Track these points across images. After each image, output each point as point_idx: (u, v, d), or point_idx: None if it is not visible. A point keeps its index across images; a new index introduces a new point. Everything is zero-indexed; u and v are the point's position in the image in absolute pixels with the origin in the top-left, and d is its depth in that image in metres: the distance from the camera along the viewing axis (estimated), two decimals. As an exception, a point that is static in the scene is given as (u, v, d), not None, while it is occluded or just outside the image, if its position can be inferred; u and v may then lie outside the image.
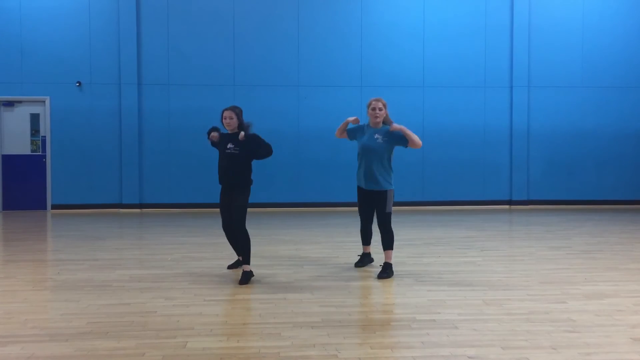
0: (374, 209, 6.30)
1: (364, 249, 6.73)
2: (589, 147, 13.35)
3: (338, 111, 12.53)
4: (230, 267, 6.56)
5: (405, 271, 6.37)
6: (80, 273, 6.30)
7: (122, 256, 7.34)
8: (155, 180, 12.56)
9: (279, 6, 12.73)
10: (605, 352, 3.88)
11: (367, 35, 12.88)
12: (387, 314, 4.85)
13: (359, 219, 6.59)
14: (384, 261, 6.28)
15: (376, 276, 6.14)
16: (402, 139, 6.10)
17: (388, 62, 12.91)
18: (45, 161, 12.39)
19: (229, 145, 6.08)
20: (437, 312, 4.81)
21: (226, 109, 6.23)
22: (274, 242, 8.29)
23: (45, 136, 12.38)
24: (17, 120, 12.39)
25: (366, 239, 6.67)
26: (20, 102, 12.39)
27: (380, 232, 6.27)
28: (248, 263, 6.01)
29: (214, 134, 6.26)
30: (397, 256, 7.17)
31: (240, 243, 6.01)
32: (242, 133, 6.00)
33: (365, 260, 6.70)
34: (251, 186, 6.18)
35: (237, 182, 6.10)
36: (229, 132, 6.20)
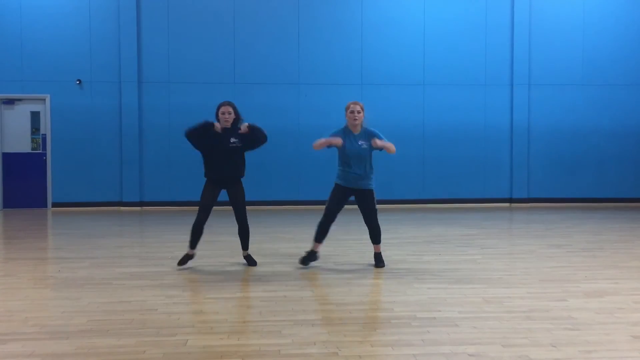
0: (342, 209, 6.37)
1: (315, 246, 6.47)
2: (589, 145, 13.34)
3: (338, 109, 12.37)
4: (181, 262, 6.40)
5: (406, 269, 6.38)
6: (81, 271, 6.30)
7: (123, 254, 7.34)
8: (156, 178, 12.56)
9: (279, 3, 12.72)
10: (606, 350, 3.88)
11: (367, 33, 12.87)
12: (388, 312, 4.85)
13: (323, 215, 6.38)
14: (375, 252, 6.55)
15: (377, 267, 6.41)
16: (378, 138, 6.28)
17: (388, 60, 12.90)
18: (45, 159, 12.39)
19: (232, 140, 6.14)
20: (437, 309, 4.81)
21: (223, 104, 6.29)
22: (274, 240, 8.29)
23: (45, 134, 12.38)
24: (18, 119, 12.39)
25: (323, 236, 6.46)
26: (20, 100, 12.39)
27: (371, 228, 6.43)
28: (248, 249, 6.55)
29: (218, 125, 6.21)
30: (397, 254, 7.18)
31: (246, 234, 6.45)
32: (246, 124, 6.09)
33: (312, 257, 6.47)
34: None
35: (236, 175, 6.25)
36: (224, 127, 6.24)
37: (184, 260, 6.43)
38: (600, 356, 3.77)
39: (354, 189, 6.34)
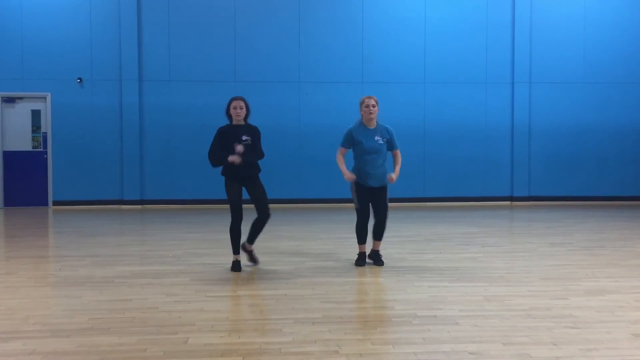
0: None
1: (361, 248, 6.50)
2: (590, 144, 13.33)
3: (339, 107, 12.54)
4: (234, 269, 6.27)
5: (406, 267, 6.37)
6: (82, 269, 6.31)
7: (124, 252, 7.35)
8: (156, 176, 12.56)
9: (279, 2, 12.72)
10: (606, 348, 3.88)
11: (368, 32, 12.86)
12: (388, 310, 4.85)
13: (358, 217, 6.41)
14: (374, 249, 6.50)
15: (376, 264, 6.40)
16: (391, 145, 6.42)
17: (389, 59, 12.89)
18: (46, 158, 12.40)
19: (244, 137, 6.11)
20: (438, 308, 4.81)
21: (235, 99, 6.22)
22: (276, 238, 8.29)
23: (46, 132, 12.39)
24: (18, 117, 12.39)
25: (366, 237, 6.51)
26: (21, 98, 12.39)
27: (379, 224, 6.40)
28: (252, 244, 6.44)
29: (235, 158, 6.01)
30: (398, 252, 7.18)
31: (262, 227, 6.33)
32: (240, 148, 5.98)
33: (363, 259, 6.48)
34: None
35: (254, 171, 6.25)
36: (234, 123, 6.20)
37: (235, 268, 6.25)
38: (601, 354, 3.77)
39: (373, 187, 6.35)
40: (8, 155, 12.39)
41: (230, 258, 6.76)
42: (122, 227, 9.85)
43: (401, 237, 8.42)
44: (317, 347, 3.89)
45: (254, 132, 6.25)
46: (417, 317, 4.56)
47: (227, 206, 6.29)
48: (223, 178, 6.25)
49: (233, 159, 5.97)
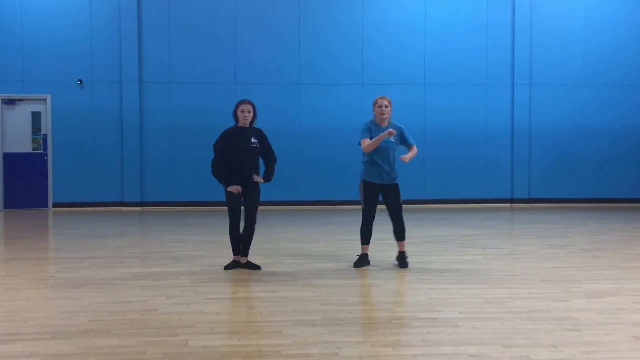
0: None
1: (364, 248, 6.57)
2: (590, 146, 13.33)
3: (339, 109, 12.55)
4: (228, 267, 6.39)
5: (407, 269, 6.37)
6: (82, 271, 6.30)
7: (123, 254, 7.34)
8: (157, 178, 12.57)
9: (280, 4, 12.73)
10: (607, 351, 3.87)
11: (368, 33, 12.87)
12: (388, 312, 4.85)
13: (363, 217, 6.46)
14: (400, 250, 6.49)
15: (400, 266, 6.39)
16: (406, 141, 6.52)
17: (389, 60, 12.90)
18: (46, 159, 12.40)
19: (253, 140, 6.16)
20: (438, 310, 4.81)
21: (243, 102, 6.28)
22: (276, 240, 8.29)
23: (46, 134, 12.39)
24: (19, 119, 12.40)
25: (369, 238, 6.58)
26: (21, 100, 12.39)
27: (397, 224, 6.47)
28: (247, 255, 6.42)
29: (236, 188, 6.15)
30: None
31: (250, 236, 6.32)
32: (260, 179, 6.24)
33: (365, 260, 6.54)
34: None
35: (256, 174, 6.28)
36: (240, 125, 6.23)
37: (231, 266, 6.38)
38: (601, 357, 3.77)
39: (383, 185, 6.39)
40: (8, 156, 12.39)
41: (229, 260, 6.77)
42: (122, 229, 9.84)
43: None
44: (316, 350, 3.88)
45: (261, 135, 6.34)
46: (417, 319, 4.55)
47: (225, 208, 6.30)
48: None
49: (232, 189, 6.11)
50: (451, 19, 13.01)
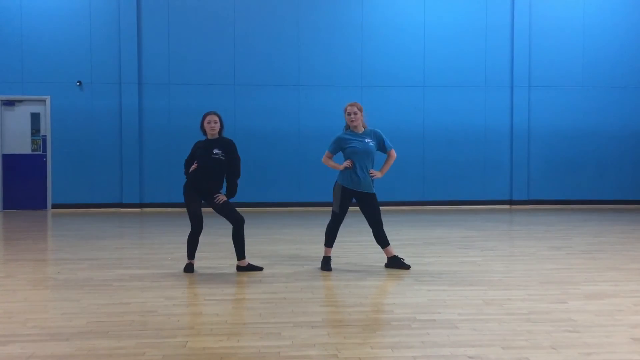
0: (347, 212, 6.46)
1: (328, 251, 6.50)
2: (589, 147, 13.34)
3: (339, 111, 12.43)
4: (187, 269, 6.30)
5: (406, 271, 6.37)
6: (81, 272, 6.30)
7: (122, 255, 7.34)
8: (156, 179, 12.56)
9: (279, 5, 12.73)
10: (606, 352, 3.88)
11: (367, 35, 12.87)
12: (387, 314, 4.85)
13: (332, 219, 6.43)
14: (391, 255, 6.49)
15: (401, 268, 6.38)
16: (383, 146, 6.46)
17: (389, 62, 12.91)
18: (45, 160, 12.40)
19: (216, 151, 6.17)
20: (437, 311, 4.81)
21: (210, 114, 6.37)
22: (274, 242, 8.29)
23: (45, 135, 12.39)
24: (18, 120, 12.39)
25: (333, 241, 6.51)
26: (20, 101, 12.39)
27: (377, 232, 6.45)
28: (245, 257, 6.33)
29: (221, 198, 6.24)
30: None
31: (241, 241, 6.26)
32: (222, 198, 6.21)
33: (328, 264, 6.46)
34: None
35: (217, 187, 6.27)
36: (209, 137, 6.32)
37: (188, 269, 6.32)
38: (600, 358, 3.77)
39: (358, 192, 6.36)
40: (7, 158, 12.38)
41: (230, 261, 6.77)
42: (121, 230, 9.84)
43: (400, 240, 8.41)
44: (316, 351, 3.88)
45: (227, 146, 6.26)
46: (416, 321, 4.55)
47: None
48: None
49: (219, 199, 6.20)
50: (450, 20, 13.02)
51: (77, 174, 12.41)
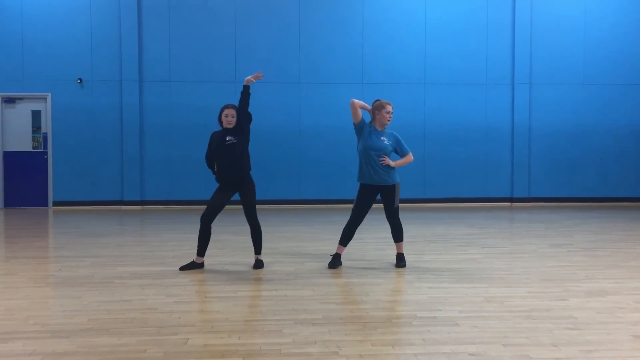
0: (370, 209, 6.40)
1: (339, 249, 6.48)
2: (590, 145, 13.33)
3: (339, 108, 12.52)
4: (184, 268, 6.29)
5: (406, 268, 6.37)
6: (82, 270, 6.31)
7: (124, 253, 7.34)
8: (157, 177, 12.57)
9: (280, 2, 12.72)
10: (607, 350, 3.88)
11: (368, 32, 12.86)
12: (388, 311, 4.85)
13: (350, 217, 6.41)
14: (397, 252, 6.48)
15: (395, 266, 6.40)
16: (401, 149, 6.48)
17: (389, 59, 12.89)
18: (46, 158, 12.40)
19: (228, 138, 6.16)
20: (438, 309, 4.81)
21: (227, 107, 6.33)
22: (275, 239, 8.29)
23: (46, 133, 12.39)
24: (19, 117, 12.39)
25: (348, 239, 6.48)
26: (21, 99, 12.39)
27: (393, 225, 6.44)
28: (260, 253, 6.43)
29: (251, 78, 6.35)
30: (398, 253, 7.17)
31: (258, 236, 6.39)
32: (249, 78, 6.31)
33: (338, 261, 6.45)
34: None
35: (240, 173, 6.22)
36: (225, 127, 6.29)
37: (187, 267, 6.31)
38: (600, 356, 3.77)
39: (378, 186, 6.34)
40: (8, 155, 12.39)
41: (230, 258, 6.78)
42: (122, 228, 9.85)
43: (401, 238, 8.41)
44: (317, 348, 3.89)
45: (237, 126, 6.25)
46: (417, 318, 4.56)
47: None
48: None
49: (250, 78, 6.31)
50: (451, 17, 13.00)
51: (78, 171, 12.42)
